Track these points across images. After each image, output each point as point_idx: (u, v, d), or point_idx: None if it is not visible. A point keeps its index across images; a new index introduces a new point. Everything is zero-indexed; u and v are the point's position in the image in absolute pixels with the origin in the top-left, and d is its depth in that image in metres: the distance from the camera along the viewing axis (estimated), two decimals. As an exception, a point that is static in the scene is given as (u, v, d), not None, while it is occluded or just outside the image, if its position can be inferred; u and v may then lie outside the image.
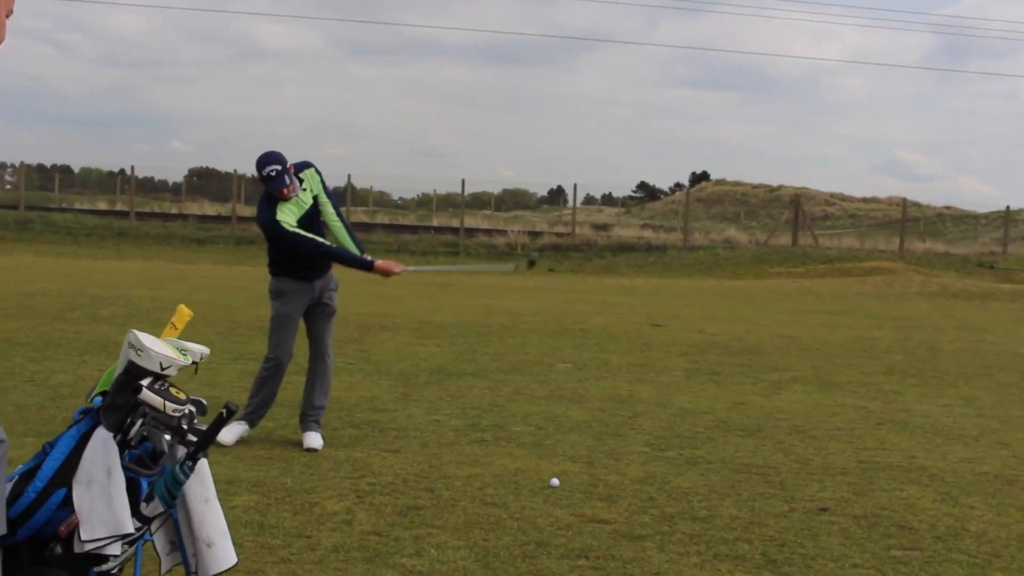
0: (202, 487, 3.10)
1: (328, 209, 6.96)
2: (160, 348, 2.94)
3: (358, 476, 6.01)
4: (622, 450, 6.97)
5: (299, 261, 6.82)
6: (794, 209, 36.58)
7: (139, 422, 2.91)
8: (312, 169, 6.88)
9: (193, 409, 3.03)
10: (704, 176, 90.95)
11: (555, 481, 5.98)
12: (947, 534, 5.34)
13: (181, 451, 2.95)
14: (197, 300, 15.78)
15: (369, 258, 6.96)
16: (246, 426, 6.84)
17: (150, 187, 74.86)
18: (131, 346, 2.90)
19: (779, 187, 71.58)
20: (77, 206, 45.50)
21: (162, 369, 2.91)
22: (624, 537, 5.08)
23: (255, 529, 4.96)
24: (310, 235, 6.67)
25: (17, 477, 2.92)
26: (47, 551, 2.95)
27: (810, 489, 6.13)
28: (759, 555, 4.89)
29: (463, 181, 36.62)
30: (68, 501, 2.85)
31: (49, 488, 2.84)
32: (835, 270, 27.48)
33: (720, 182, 78.32)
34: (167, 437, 2.94)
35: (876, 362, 12.05)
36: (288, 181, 6.56)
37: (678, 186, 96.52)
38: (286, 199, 6.66)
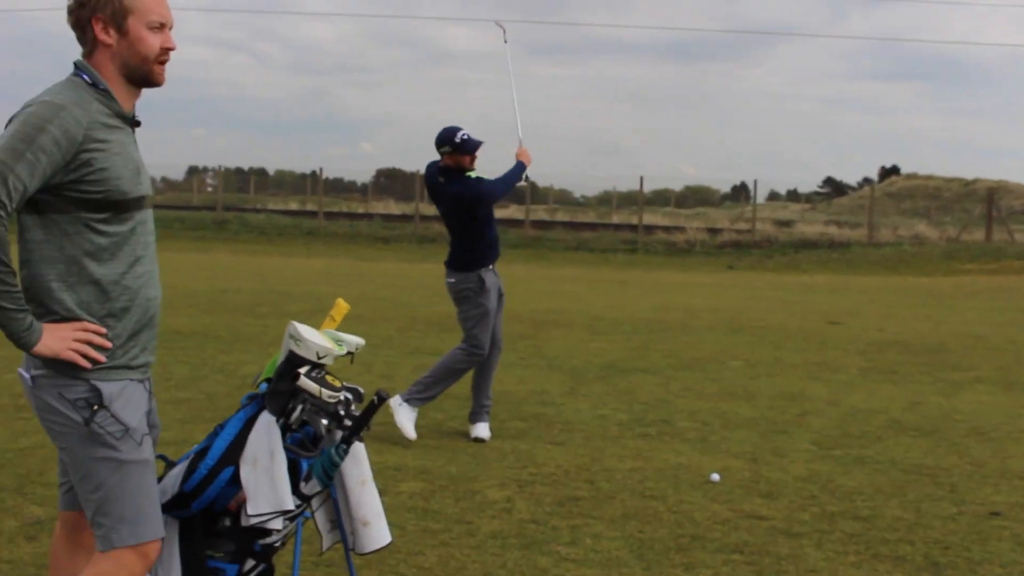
0: (358, 470, 3.29)
1: None
2: (317, 339, 3.14)
3: (521, 467, 6.16)
4: (787, 447, 6.91)
5: (490, 247, 6.99)
6: (988, 203, 34.97)
7: (300, 407, 3.12)
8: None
9: (349, 396, 3.22)
10: (894, 170, 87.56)
11: (715, 476, 6.00)
12: None
13: (338, 435, 3.15)
14: (378, 297, 16.36)
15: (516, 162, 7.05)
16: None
17: (340, 187, 77.34)
18: (291, 337, 3.12)
19: (974, 181, 68.43)
20: (271, 207, 47.56)
21: (319, 358, 3.11)
22: (781, 534, 5.06)
23: (418, 514, 5.17)
24: (499, 178, 6.87)
25: (192, 456, 3.18)
26: (218, 524, 3.20)
27: (983, 492, 5.94)
28: (921, 557, 4.80)
29: (641, 179, 36.57)
30: (236, 479, 3.08)
31: (218, 466, 3.09)
32: (1033, 267, 26.19)
33: (911, 176, 75.29)
34: (325, 422, 3.14)
35: (1070, 364, 11.47)
36: (478, 145, 6.76)
37: (866, 181, 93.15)
38: (470, 168, 6.82)
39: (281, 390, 3.10)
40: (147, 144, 2.95)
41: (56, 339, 2.66)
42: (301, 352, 3.08)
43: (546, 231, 35.56)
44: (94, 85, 2.74)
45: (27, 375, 2.75)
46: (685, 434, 7.23)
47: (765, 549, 4.82)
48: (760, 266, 28.78)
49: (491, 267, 7.07)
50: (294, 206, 47.67)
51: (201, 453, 3.15)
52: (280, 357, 3.15)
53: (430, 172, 7.14)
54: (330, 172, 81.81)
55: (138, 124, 2.86)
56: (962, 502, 5.72)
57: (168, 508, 3.10)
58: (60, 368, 2.68)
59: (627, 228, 36.95)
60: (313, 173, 51.17)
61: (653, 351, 11.28)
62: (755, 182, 36.98)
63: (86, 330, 2.70)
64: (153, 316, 2.86)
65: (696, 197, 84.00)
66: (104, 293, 2.73)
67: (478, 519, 5.13)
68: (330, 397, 3.07)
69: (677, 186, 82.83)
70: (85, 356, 2.68)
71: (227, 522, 3.18)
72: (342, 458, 3.12)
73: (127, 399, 2.76)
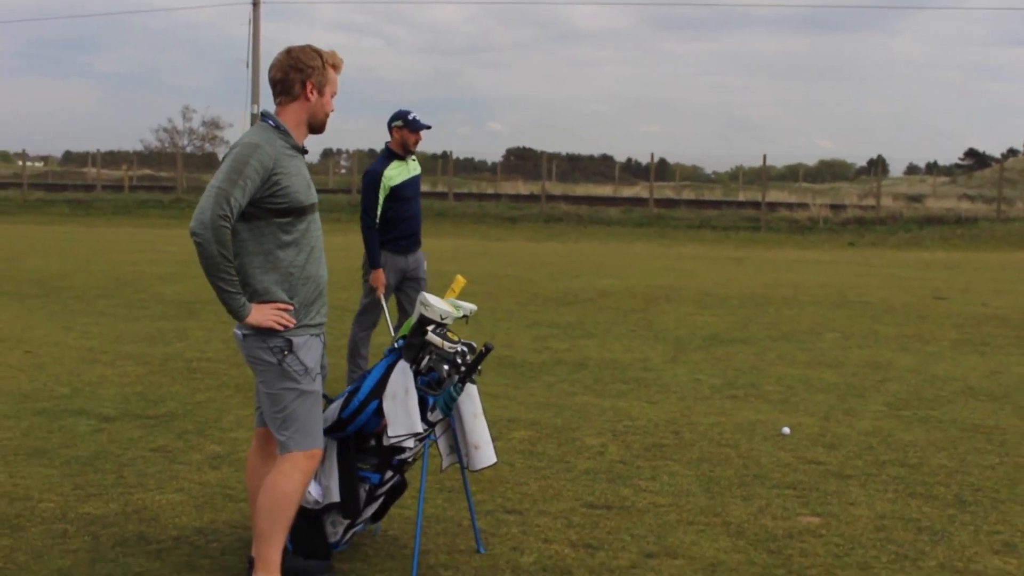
0: (472, 405, 4.32)
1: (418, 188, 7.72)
2: (440, 304, 4.17)
3: (617, 420, 7.14)
4: (860, 408, 7.71)
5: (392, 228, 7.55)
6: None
7: (427, 356, 4.16)
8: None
9: (465, 349, 4.24)
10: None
11: (786, 430, 6.87)
12: None
13: (456, 378, 4.18)
14: (503, 274, 17.45)
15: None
16: None
17: (470, 167, 78.83)
18: (421, 303, 4.16)
19: None
20: (403, 186, 49.04)
21: (441, 319, 4.15)
22: (834, 476, 5.93)
23: (525, 455, 6.20)
24: (372, 220, 7.46)
25: (347, 393, 4.25)
26: (366, 444, 4.28)
27: (1029, 447, 6.67)
28: (952, 496, 5.61)
29: (764, 156, 36.87)
30: (380, 410, 4.13)
31: (367, 400, 4.15)
32: None
33: (1059, 147, 72.60)
34: (446, 367, 4.17)
35: None
36: (423, 126, 7.44)
37: (1011, 152, 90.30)
38: (412, 150, 7.53)
39: (414, 343, 4.16)
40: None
41: (260, 313, 3.80)
42: (429, 314, 4.13)
43: (670, 209, 36.18)
44: (277, 127, 3.87)
45: (240, 333, 3.89)
46: (769, 396, 8.09)
47: (815, 486, 5.70)
48: (882, 243, 28.95)
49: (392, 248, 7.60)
50: (426, 187, 49.20)
51: (354, 391, 4.22)
52: (413, 319, 4.19)
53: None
54: (460, 152, 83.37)
55: (306, 152, 3.97)
56: (1006, 455, 6.48)
57: (329, 431, 4.19)
58: (262, 329, 3.80)
59: (751, 206, 37.31)
60: (445, 153, 52.64)
61: (754, 324, 12.09)
62: (879, 157, 36.93)
63: (278, 307, 3.81)
64: (323, 289, 3.96)
65: (830, 171, 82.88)
66: (289, 275, 3.85)
67: (575, 459, 6.14)
68: (450, 348, 4.11)
69: (811, 160, 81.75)
70: (280, 324, 3.81)
71: (373, 442, 4.25)
72: (459, 394, 4.16)
73: (307, 348, 3.88)
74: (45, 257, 19.39)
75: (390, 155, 7.57)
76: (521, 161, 73.95)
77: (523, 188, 47.57)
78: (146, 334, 10.54)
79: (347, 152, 75.71)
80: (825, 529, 5.03)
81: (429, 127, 7.57)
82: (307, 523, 4.27)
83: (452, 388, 4.15)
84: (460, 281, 4.52)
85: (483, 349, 4.14)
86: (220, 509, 5.14)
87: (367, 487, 4.29)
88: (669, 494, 5.52)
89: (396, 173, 7.53)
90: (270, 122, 3.91)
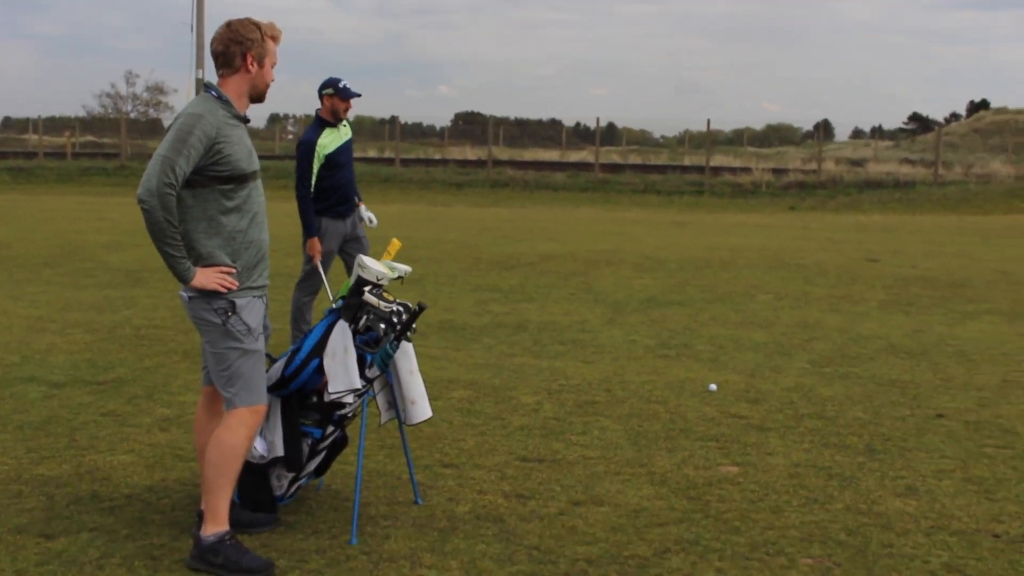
0: (408, 362, 4.59)
1: (351, 152, 7.93)
2: (376, 266, 4.43)
3: (553, 379, 7.45)
4: (785, 366, 8.09)
5: (327, 196, 7.71)
6: (1056, 141, 35.00)
7: (365, 316, 4.41)
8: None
9: (401, 308, 4.49)
10: (983, 105, 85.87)
11: (713, 386, 7.22)
12: (1045, 437, 6.21)
13: (392, 336, 4.44)
14: (447, 240, 17.68)
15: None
16: None
17: (418, 132, 78.61)
18: (358, 265, 4.41)
19: (1069, 114, 66.95)
20: (350, 153, 49.02)
21: (377, 280, 4.40)
22: (755, 428, 6.28)
23: (463, 413, 6.49)
24: (307, 190, 7.61)
25: (290, 352, 4.50)
26: (308, 400, 4.53)
27: (939, 400, 7.07)
28: (863, 445, 5.99)
29: (708, 121, 37.30)
30: (320, 368, 4.39)
31: (308, 358, 4.39)
32: (1093, 205, 26.57)
33: (1000, 111, 73.74)
34: (383, 326, 4.43)
35: (1084, 296, 12.35)
36: (354, 95, 7.61)
37: (954, 116, 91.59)
38: (343, 117, 7.69)
39: (352, 304, 4.41)
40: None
41: (205, 276, 4.03)
42: (365, 276, 4.38)
43: (616, 174, 36.51)
44: (219, 98, 4.08)
45: (185, 296, 4.11)
46: (700, 355, 8.44)
47: (736, 438, 6.05)
48: (822, 207, 29.51)
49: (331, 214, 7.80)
50: (372, 153, 49.08)
51: (296, 350, 4.47)
52: (351, 280, 4.44)
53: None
54: (409, 116, 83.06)
55: (248, 121, 4.18)
56: (917, 407, 6.87)
57: (273, 389, 4.44)
58: (207, 292, 4.02)
59: (695, 170, 37.76)
60: (393, 118, 52.57)
61: (691, 286, 12.46)
62: (824, 122, 37.41)
63: (221, 271, 4.04)
64: (265, 253, 4.19)
65: (777, 135, 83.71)
66: (232, 239, 4.08)
67: (511, 416, 6.44)
68: (385, 307, 4.37)
69: (759, 124, 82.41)
70: (223, 287, 4.03)
71: (314, 399, 4.51)
72: (394, 351, 4.42)
73: (250, 309, 4.12)
74: (-12, 226, 19.30)
75: (321, 123, 7.71)
76: (470, 126, 73.98)
77: (471, 153, 47.64)
78: (93, 302, 10.67)
79: (294, 117, 75.26)
80: (743, 477, 5.37)
81: (359, 95, 7.74)
82: (253, 477, 4.53)
83: (388, 346, 4.41)
84: (396, 244, 4.77)
85: (416, 308, 4.40)
86: (170, 468, 5.38)
87: (310, 441, 4.55)
88: (598, 447, 5.83)
89: (329, 141, 7.68)
90: (213, 93, 4.12)
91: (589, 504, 4.92)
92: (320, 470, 4.81)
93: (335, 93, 7.66)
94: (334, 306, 4.53)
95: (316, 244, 7.71)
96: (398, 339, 4.41)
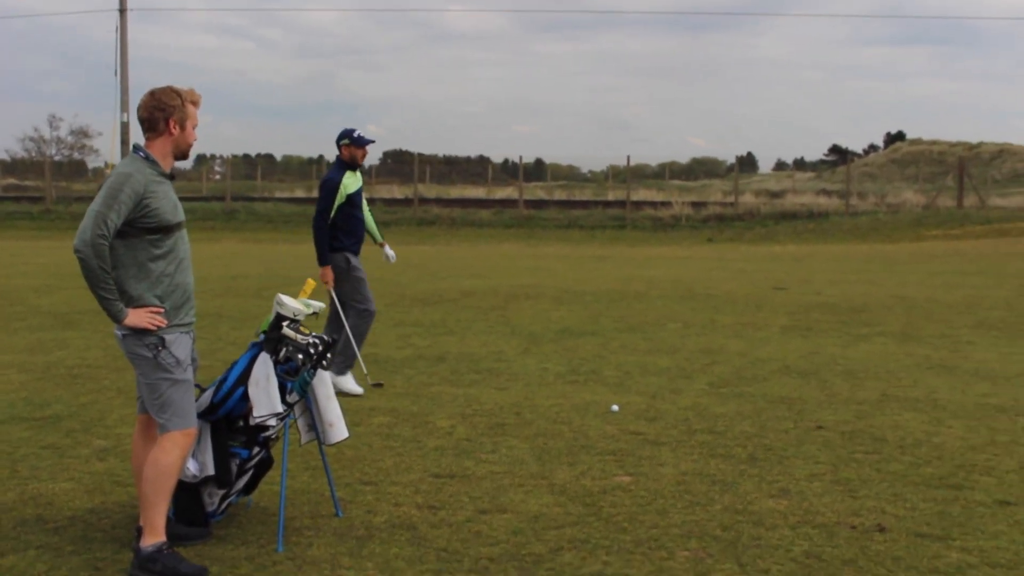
0: (325, 388, 5.10)
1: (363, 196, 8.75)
2: (293, 303, 4.94)
3: (467, 405, 7.98)
4: (685, 388, 8.71)
5: (348, 235, 8.50)
6: (959, 170, 36.58)
7: (284, 348, 4.92)
8: None
9: (317, 341, 5.00)
10: (899, 136, 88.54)
11: (615, 407, 7.81)
12: (910, 444, 6.88)
13: (308, 365, 4.95)
14: (373, 277, 18.07)
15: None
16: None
17: (346, 171, 78.60)
18: (277, 303, 4.93)
19: (979, 144, 69.34)
20: (277, 194, 49.46)
21: (294, 316, 4.92)
22: (650, 443, 6.87)
23: (383, 437, 6.99)
24: (325, 223, 8.38)
25: (217, 383, 4.99)
26: (236, 424, 5.02)
27: (821, 414, 7.73)
28: (746, 455, 6.60)
29: (628, 157, 38.35)
30: (245, 395, 4.88)
31: (234, 387, 4.89)
32: (993, 231, 27.88)
33: (915, 142, 76.10)
34: (300, 356, 4.94)
35: (972, 317, 13.21)
36: (369, 141, 8.44)
37: (872, 148, 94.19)
38: (360, 164, 8.53)
39: (272, 337, 4.92)
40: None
41: (136, 316, 4.52)
42: (284, 312, 4.90)
43: (540, 210, 37.28)
44: (146, 158, 4.60)
45: (119, 334, 4.59)
46: (607, 380, 9.04)
47: (632, 452, 6.63)
48: (739, 238, 30.52)
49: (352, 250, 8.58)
50: (300, 193, 49.42)
51: (222, 381, 4.96)
52: (271, 317, 4.96)
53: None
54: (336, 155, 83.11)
55: (173, 178, 4.69)
56: (800, 420, 7.52)
57: (203, 415, 4.92)
58: (139, 329, 4.51)
59: (617, 205, 38.67)
60: (321, 156, 52.92)
61: (605, 317, 13.09)
62: (747, 155, 38.62)
63: (151, 310, 4.54)
64: (190, 294, 4.70)
65: (703, 169, 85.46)
66: (160, 282, 4.58)
67: (427, 439, 6.96)
68: (302, 340, 4.88)
69: (684, 159, 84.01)
70: (153, 325, 4.52)
71: (241, 423, 5.00)
72: (311, 379, 4.94)
73: (178, 343, 4.61)
74: (-86, 274, 19.36)
75: (343, 166, 8.53)
76: (399, 164, 74.44)
77: (398, 192, 48.17)
78: (26, 344, 10.99)
79: (221, 157, 75.23)
80: (635, 485, 5.94)
81: (373, 141, 8.55)
82: (187, 495, 5.00)
83: (306, 374, 4.93)
84: (311, 283, 5.29)
85: (329, 341, 4.93)
86: (109, 492, 5.81)
87: (237, 461, 5.04)
88: (505, 463, 6.38)
89: (351, 182, 8.50)
90: (141, 154, 4.64)
91: (494, 512, 5.45)
92: (248, 488, 5.28)
93: (351, 143, 8.50)
94: (258, 339, 5.03)
95: (329, 273, 8.48)
96: (314, 368, 4.93)
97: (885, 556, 4.85)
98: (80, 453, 6.64)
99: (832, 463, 6.42)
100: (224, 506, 5.13)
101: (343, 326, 8.57)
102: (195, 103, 4.74)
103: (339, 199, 8.42)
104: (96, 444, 6.87)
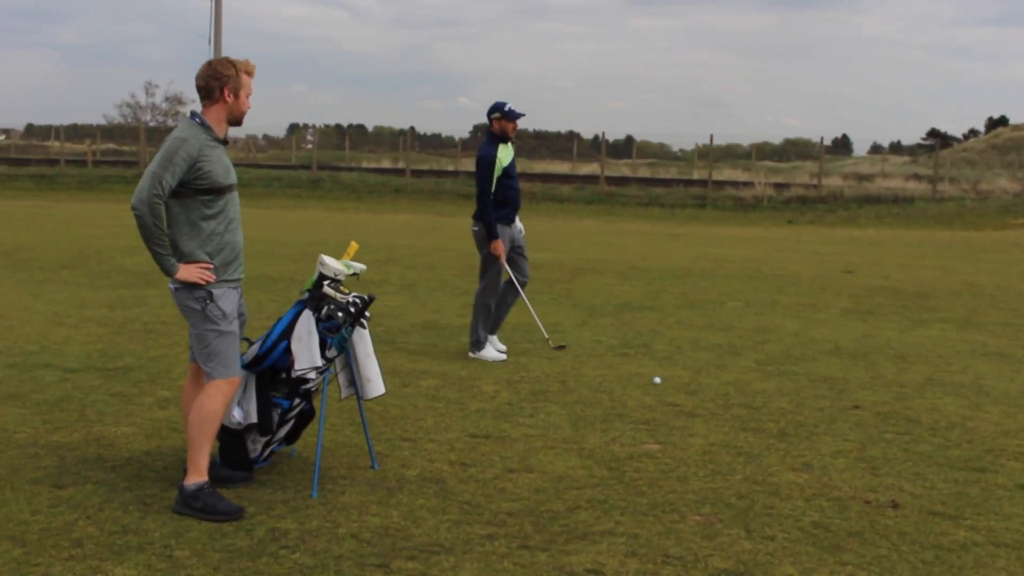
0: (364, 346, 5.42)
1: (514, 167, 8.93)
2: (334, 264, 5.27)
3: (514, 372, 8.27)
4: (732, 364, 8.88)
5: (500, 205, 8.77)
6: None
7: (326, 306, 5.25)
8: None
9: (357, 300, 5.32)
10: (1002, 121, 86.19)
11: (657, 380, 8.02)
12: (943, 427, 6.99)
13: (348, 322, 5.28)
14: (447, 248, 18.53)
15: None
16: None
17: (437, 143, 79.62)
18: (320, 264, 5.26)
19: (1087, 130, 67.03)
20: (364, 165, 50.22)
21: (335, 276, 5.25)
22: (685, 415, 7.08)
23: (428, 398, 7.31)
24: (489, 198, 8.71)
25: (263, 337, 5.34)
26: (279, 376, 5.36)
27: (861, 395, 7.85)
28: (777, 430, 6.78)
29: (711, 136, 38.13)
30: (288, 349, 5.22)
31: (278, 340, 5.23)
32: (1083, 221, 27.21)
33: (1018, 127, 73.99)
34: (341, 314, 5.26)
35: (1040, 307, 13.07)
36: (519, 115, 8.62)
37: (973, 132, 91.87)
38: (511, 136, 8.75)
39: (314, 295, 5.25)
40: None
41: (187, 271, 4.88)
42: (325, 272, 5.22)
43: (621, 187, 37.33)
44: (202, 124, 4.93)
45: (172, 287, 4.96)
46: (656, 354, 9.24)
47: (665, 422, 6.86)
48: (820, 221, 30.24)
49: (505, 220, 8.87)
50: (387, 164, 50.15)
51: (267, 335, 5.31)
52: (315, 276, 5.29)
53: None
54: (428, 127, 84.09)
55: (227, 143, 5.03)
56: (838, 399, 7.66)
57: (249, 366, 5.28)
58: (189, 283, 4.87)
59: (700, 184, 38.54)
60: (412, 128, 53.56)
61: (668, 293, 13.25)
62: (821, 139, 38.07)
63: (201, 266, 4.89)
64: (239, 252, 5.05)
65: (795, 150, 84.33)
66: (210, 240, 4.92)
67: (470, 401, 7.26)
68: (341, 298, 5.21)
69: (778, 139, 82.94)
70: (202, 279, 4.88)
71: (284, 375, 5.34)
72: (349, 335, 5.26)
73: (226, 298, 4.96)
74: (11, 231, 20.26)
75: (494, 139, 8.77)
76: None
77: (483, 165, 48.34)
78: (107, 301, 11.55)
79: (313, 127, 76.40)
80: (661, 453, 6.17)
81: (524, 115, 8.74)
82: (232, 440, 5.36)
83: (344, 330, 5.25)
84: (353, 246, 5.59)
85: (367, 299, 5.25)
86: (166, 438, 6.22)
87: (279, 411, 5.39)
88: (541, 427, 6.65)
89: (505, 155, 8.74)
90: (197, 119, 4.98)
91: (521, 471, 5.73)
92: (291, 438, 5.64)
93: (502, 116, 8.72)
94: (303, 296, 5.37)
95: (500, 245, 8.73)
96: (352, 325, 5.24)
97: (892, 531, 5.02)
98: (144, 401, 7.08)
99: (861, 441, 6.56)
100: (267, 453, 5.49)
101: (518, 292, 8.95)
102: (250, 73, 5.07)
103: (497, 171, 8.65)
104: (160, 394, 7.30)
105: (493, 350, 8.79)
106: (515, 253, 9.07)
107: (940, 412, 7.37)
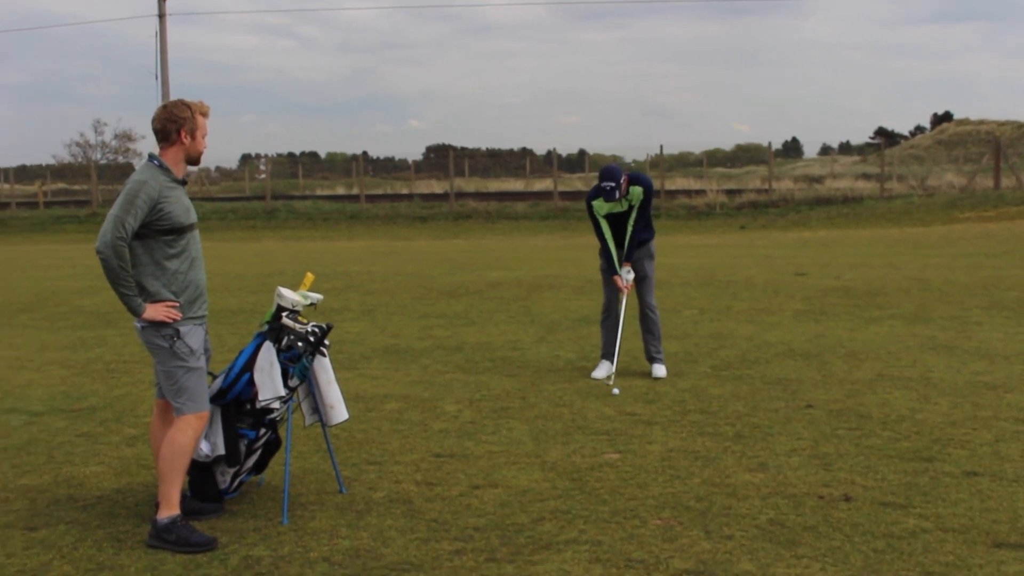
0: (326, 373, 5.55)
1: (632, 218, 9.03)
2: (291, 295, 5.41)
3: (476, 391, 8.42)
4: (688, 371, 9.08)
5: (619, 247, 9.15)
6: (995, 149, 36.40)
7: (286, 336, 5.39)
8: (641, 188, 8.93)
9: (316, 329, 5.46)
10: (947, 117, 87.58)
11: (616, 390, 8.21)
12: (893, 420, 7.22)
13: (307, 351, 5.41)
14: (404, 272, 18.65)
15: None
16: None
17: (390, 167, 79.62)
18: (277, 295, 5.39)
19: (1029, 122, 68.12)
20: (318, 192, 50.27)
21: (292, 307, 5.38)
22: (643, 423, 7.27)
23: (392, 421, 7.45)
24: (598, 237, 9.19)
25: (226, 370, 5.46)
26: (243, 408, 5.48)
27: (814, 394, 8.07)
28: (733, 432, 6.98)
29: (661, 147, 38.55)
30: (251, 381, 5.35)
31: (241, 373, 5.35)
32: (1026, 213, 27.81)
33: (963, 122, 75.15)
34: (300, 344, 5.40)
35: (986, 299, 13.40)
36: (616, 197, 8.78)
37: (919, 129, 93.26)
38: (626, 191, 8.91)
39: (274, 327, 5.38)
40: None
41: (154, 310, 5.00)
42: (283, 303, 5.36)
43: (575, 201, 37.58)
44: (160, 166, 5.06)
45: (139, 326, 5.07)
46: (614, 365, 9.41)
47: (625, 432, 7.03)
48: (772, 225, 30.68)
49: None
50: (341, 190, 50.20)
51: (230, 368, 5.43)
52: (273, 308, 5.42)
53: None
54: (380, 151, 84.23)
55: (186, 183, 5.16)
56: (792, 400, 7.87)
57: (214, 399, 5.39)
58: (156, 322, 4.99)
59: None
60: (365, 153, 53.63)
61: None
62: (769, 144, 38.63)
63: (168, 305, 5.01)
64: (203, 290, 5.17)
65: (747, 155, 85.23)
66: (175, 279, 5.05)
67: (433, 422, 7.40)
68: (300, 328, 5.34)
69: (729, 145, 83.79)
70: (169, 318, 5.00)
71: (248, 406, 5.47)
72: (310, 364, 5.40)
73: (192, 334, 5.08)
74: (-35, 277, 20.13)
75: (597, 192, 8.95)
76: (442, 159, 74.95)
77: (437, 187, 48.74)
78: (68, 342, 11.58)
79: (265, 156, 76.20)
80: (622, 462, 6.35)
81: (616, 198, 8.77)
82: (201, 473, 5.47)
83: (305, 359, 5.38)
84: (309, 277, 5.74)
85: (325, 327, 5.39)
86: (135, 474, 6.31)
87: (246, 442, 5.51)
88: (504, 443, 6.81)
89: (599, 205, 8.98)
90: (155, 162, 5.11)
91: (486, 487, 5.88)
92: (259, 468, 5.75)
93: (599, 194, 8.87)
94: (262, 329, 5.50)
95: (620, 280, 9.09)
96: (312, 354, 5.38)
97: (845, 523, 5.21)
98: (111, 440, 7.16)
99: (814, 439, 6.77)
100: (236, 484, 5.60)
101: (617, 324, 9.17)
102: (204, 114, 5.21)
103: (596, 216, 9.04)
104: (126, 432, 7.38)
105: (602, 369, 9.09)
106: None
107: (890, 406, 7.61)
